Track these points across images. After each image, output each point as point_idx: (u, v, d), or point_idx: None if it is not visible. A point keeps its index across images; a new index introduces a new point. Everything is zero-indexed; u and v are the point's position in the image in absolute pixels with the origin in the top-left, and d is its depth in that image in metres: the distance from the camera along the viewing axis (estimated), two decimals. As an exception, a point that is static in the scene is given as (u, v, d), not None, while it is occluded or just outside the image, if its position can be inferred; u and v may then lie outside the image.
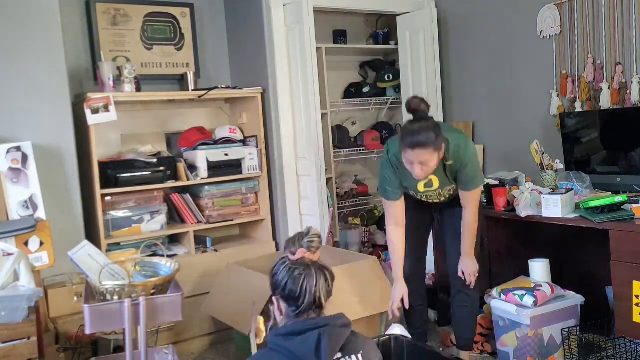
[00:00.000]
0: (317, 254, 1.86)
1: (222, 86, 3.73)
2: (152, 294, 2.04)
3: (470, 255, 2.76)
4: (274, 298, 1.74)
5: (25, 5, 2.94)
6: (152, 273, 2.31)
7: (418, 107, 2.54)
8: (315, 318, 1.67)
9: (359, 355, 1.66)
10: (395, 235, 2.77)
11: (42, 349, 2.18)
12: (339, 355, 1.63)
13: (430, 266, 3.85)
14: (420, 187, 2.69)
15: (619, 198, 2.66)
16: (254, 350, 2.06)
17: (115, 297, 1.99)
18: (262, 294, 2.74)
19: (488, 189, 3.26)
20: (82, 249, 2.15)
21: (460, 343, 2.90)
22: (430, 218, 2.97)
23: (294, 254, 1.81)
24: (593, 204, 2.70)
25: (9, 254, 2.25)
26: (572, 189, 2.96)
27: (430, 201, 2.79)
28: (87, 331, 2.01)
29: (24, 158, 2.80)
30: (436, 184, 2.67)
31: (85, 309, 1.94)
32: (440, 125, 2.53)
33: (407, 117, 4.23)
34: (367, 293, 2.92)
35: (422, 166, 2.48)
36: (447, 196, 2.74)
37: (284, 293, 1.69)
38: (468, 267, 2.76)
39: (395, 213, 2.75)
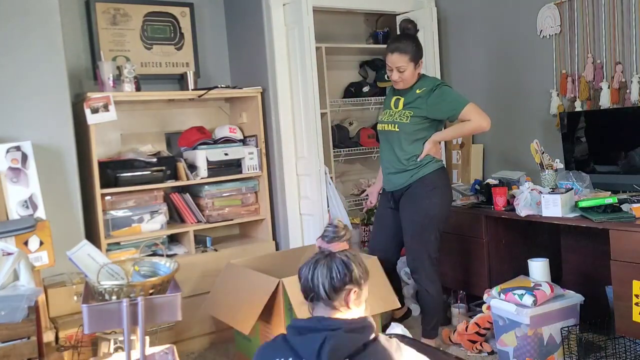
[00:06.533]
0: (341, 245, 1.81)
1: (222, 86, 3.73)
2: (151, 294, 2.04)
3: (437, 137, 2.96)
4: None
5: (24, 5, 2.94)
6: (151, 273, 2.31)
7: (406, 26, 3.06)
8: (329, 319, 1.60)
9: None
10: None
11: (42, 348, 2.18)
12: None
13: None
14: (392, 104, 3.03)
15: (609, 200, 2.68)
16: None
17: (114, 297, 1.99)
18: (262, 293, 2.74)
19: (488, 189, 3.26)
20: (81, 249, 2.15)
21: (423, 331, 3.09)
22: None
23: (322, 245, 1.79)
24: (583, 204, 2.71)
25: (9, 254, 2.25)
26: (572, 189, 2.96)
27: (389, 129, 3.02)
28: (86, 331, 2.01)
29: (24, 158, 2.80)
30: (400, 105, 2.98)
31: (83, 309, 1.95)
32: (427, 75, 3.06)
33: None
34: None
35: (399, 73, 2.91)
36: (406, 119, 2.93)
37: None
38: (426, 144, 2.95)
39: None
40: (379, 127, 3.11)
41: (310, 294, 1.64)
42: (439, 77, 4.09)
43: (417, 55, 2.92)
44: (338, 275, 1.63)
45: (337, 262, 1.65)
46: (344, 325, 1.57)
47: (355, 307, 1.67)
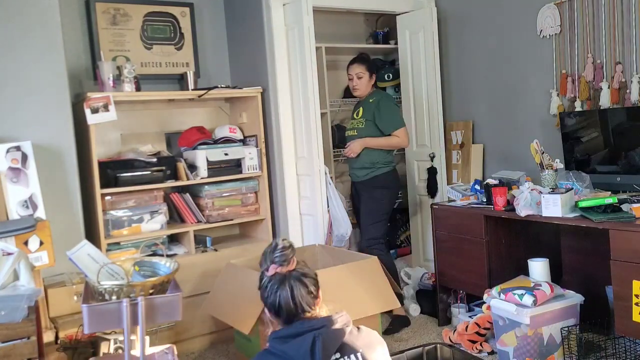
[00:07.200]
0: (292, 263, 1.82)
1: (222, 85, 3.73)
2: (151, 294, 2.03)
3: (360, 142, 3.59)
4: (265, 309, 1.80)
5: (24, 4, 2.94)
6: (151, 273, 2.31)
7: (362, 54, 3.80)
8: (312, 320, 1.70)
9: (358, 355, 1.67)
10: None
11: (42, 348, 2.18)
12: (337, 355, 1.64)
13: (430, 266, 3.86)
14: (356, 114, 3.70)
15: (609, 200, 2.67)
16: None
17: (114, 297, 1.99)
18: (261, 293, 2.74)
19: (488, 189, 3.26)
20: (81, 249, 2.15)
21: None
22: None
23: (267, 270, 1.82)
24: (583, 204, 2.72)
25: (9, 254, 2.25)
26: (572, 189, 2.95)
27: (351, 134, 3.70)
28: (86, 331, 2.01)
29: (24, 157, 2.80)
30: (361, 113, 3.64)
31: (83, 309, 1.94)
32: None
33: (406, 116, 4.24)
34: (366, 293, 2.91)
35: (358, 80, 3.61)
36: (361, 126, 3.62)
37: (268, 306, 1.76)
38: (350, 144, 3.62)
39: None
40: (346, 134, 3.77)
41: (291, 314, 1.71)
42: (439, 77, 4.09)
43: (372, 67, 3.66)
44: (312, 287, 1.74)
45: (302, 277, 1.75)
46: (327, 322, 1.67)
47: (320, 307, 1.78)
